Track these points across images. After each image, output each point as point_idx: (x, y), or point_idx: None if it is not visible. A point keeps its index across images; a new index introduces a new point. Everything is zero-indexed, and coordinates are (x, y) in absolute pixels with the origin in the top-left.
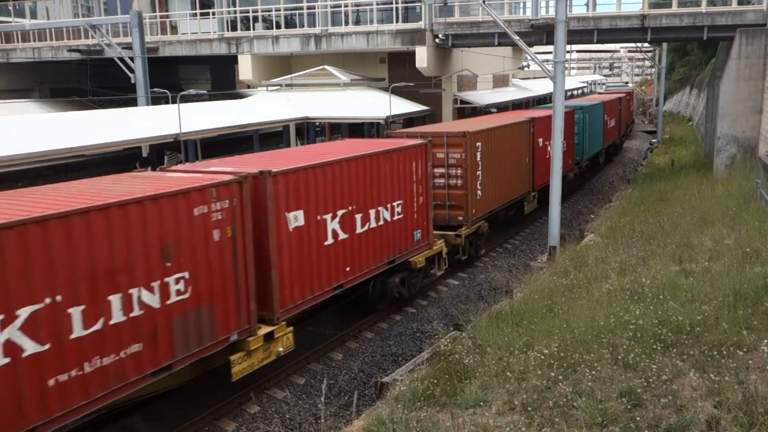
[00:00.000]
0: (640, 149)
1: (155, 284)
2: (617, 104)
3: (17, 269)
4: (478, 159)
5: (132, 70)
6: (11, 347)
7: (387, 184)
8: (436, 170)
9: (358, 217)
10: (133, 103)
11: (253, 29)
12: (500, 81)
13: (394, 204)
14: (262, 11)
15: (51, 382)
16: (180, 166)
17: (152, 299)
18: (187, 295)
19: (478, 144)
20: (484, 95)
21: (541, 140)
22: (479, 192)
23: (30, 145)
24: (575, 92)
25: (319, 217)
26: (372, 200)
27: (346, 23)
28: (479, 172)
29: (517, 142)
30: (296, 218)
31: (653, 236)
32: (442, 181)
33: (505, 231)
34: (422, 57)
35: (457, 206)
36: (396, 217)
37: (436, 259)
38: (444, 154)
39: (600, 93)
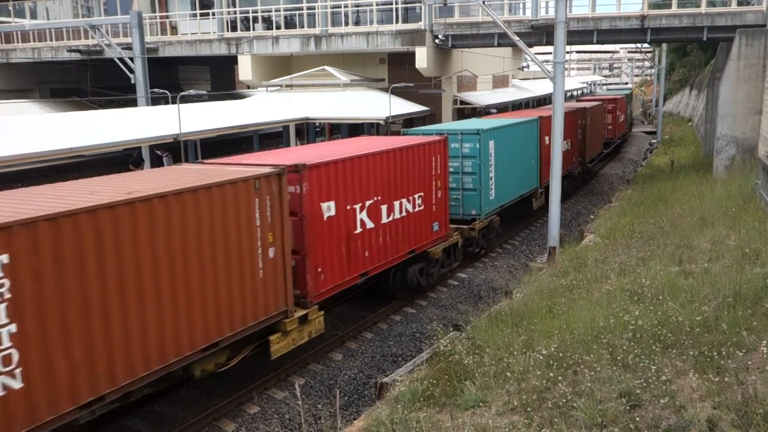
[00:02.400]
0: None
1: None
2: (576, 118)
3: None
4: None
5: (132, 71)
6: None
7: None
8: None
9: None
10: (133, 103)
11: (253, 30)
12: (500, 81)
13: None
14: (262, 12)
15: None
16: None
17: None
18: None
19: None
20: (483, 96)
21: (329, 206)
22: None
23: (30, 145)
24: (575, 93)
25: None
26: None
27: (346, 24)
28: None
29: (234, 219)
30: None
31: (653, 237)
32: None
33: (510, 228)
34: (422, 57)
35: None
36: None
37: None
38: None
39: (584, 98)
